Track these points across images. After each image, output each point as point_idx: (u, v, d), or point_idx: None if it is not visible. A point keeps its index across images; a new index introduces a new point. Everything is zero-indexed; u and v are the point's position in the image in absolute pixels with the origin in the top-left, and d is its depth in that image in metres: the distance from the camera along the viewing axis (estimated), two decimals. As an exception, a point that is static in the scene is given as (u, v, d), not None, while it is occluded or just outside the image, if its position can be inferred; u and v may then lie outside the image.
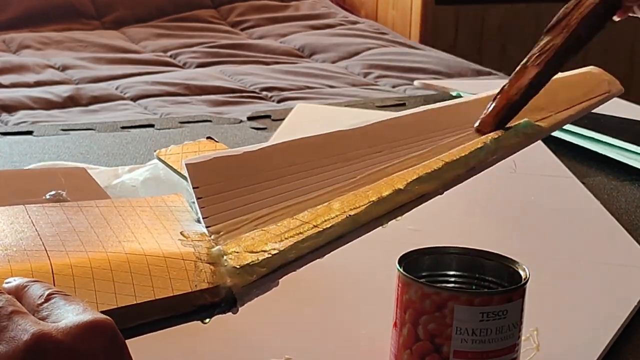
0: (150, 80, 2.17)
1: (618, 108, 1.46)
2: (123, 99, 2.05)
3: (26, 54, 2.42)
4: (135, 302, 0.60)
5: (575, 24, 0.81)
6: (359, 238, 0.68)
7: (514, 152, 0.78)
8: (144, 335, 0.60)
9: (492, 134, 0.77)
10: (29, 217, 0.70)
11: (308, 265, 0.66)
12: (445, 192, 0.73)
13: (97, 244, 0.66)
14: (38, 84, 2.16)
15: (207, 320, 0.63)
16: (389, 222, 0.69)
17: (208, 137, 0.90)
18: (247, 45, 2.53)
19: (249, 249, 0.65)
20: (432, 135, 0.78)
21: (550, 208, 1.20)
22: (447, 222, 1.12)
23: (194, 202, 0.72)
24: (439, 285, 0.77)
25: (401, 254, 0.78)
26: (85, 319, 0.51)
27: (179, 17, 2.76)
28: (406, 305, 0.75)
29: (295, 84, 2.16)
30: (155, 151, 0.89)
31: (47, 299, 0.53)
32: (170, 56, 2.43)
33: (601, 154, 1.35)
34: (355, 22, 2.82)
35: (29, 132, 1.48)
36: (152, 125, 1.53)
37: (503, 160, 0.77)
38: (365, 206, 0.69)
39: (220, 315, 0.63)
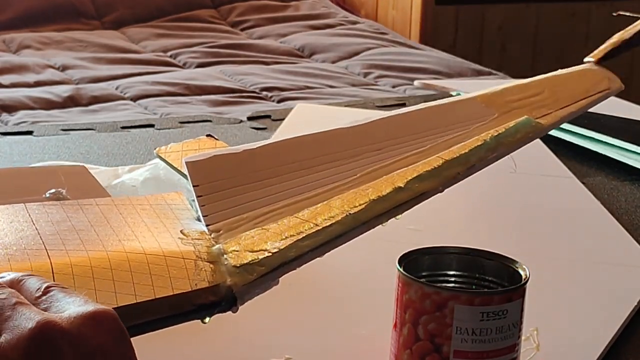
0: (150, 80, 2.17)
1: (618, 108, 1.46)
2: (123, 99, 2.06)
3: (26, 54, 2.42)
4: (135, 301, 0.60)
5: None
6: (359, 238, 0.68)
7: (515, 149, 0.78)
8: (144, 335, 0.60)
9: (491, 130, 0.77)
10: (29, 215, 0.70)
11: (308, 265, 0.66)
12: (445, 191, 0.72)
13: (97, 242, 0.66)
14: (38, 84, 2.17)
15: (207, 319, 0.63)
16: (389, 221, 0.69)
17: (208, 135, 0.90)
18: (247, 45, 2.53)
19: (249, 247, 0.65)
20: (432, 132, 0.77)
21: (550, 208, 1.20)
22: (447, 222, 1.12)
23: (194, 200, 0.72)
24: (439, 285, 0.77)
25: (401, 254, 0.78)
26: (88, 309, 0.51)
27: (179, 17, 2.76)
28: (406, 305, 0.75)
29: (295, 84, 2.16)
30: (155, 149, 0.89)
31: (45, 292, 0.53)
32: (170, 56, 2.43)
33: (601, 154, 1.35)
34: (355, 22, 2.82)
35: (29, 132, 1.48)
36: (152, 125, 1.53)
37: (503, 161, 0.77)
38: (365, 204, 0.68)
39: (220, 315, 0.63)
